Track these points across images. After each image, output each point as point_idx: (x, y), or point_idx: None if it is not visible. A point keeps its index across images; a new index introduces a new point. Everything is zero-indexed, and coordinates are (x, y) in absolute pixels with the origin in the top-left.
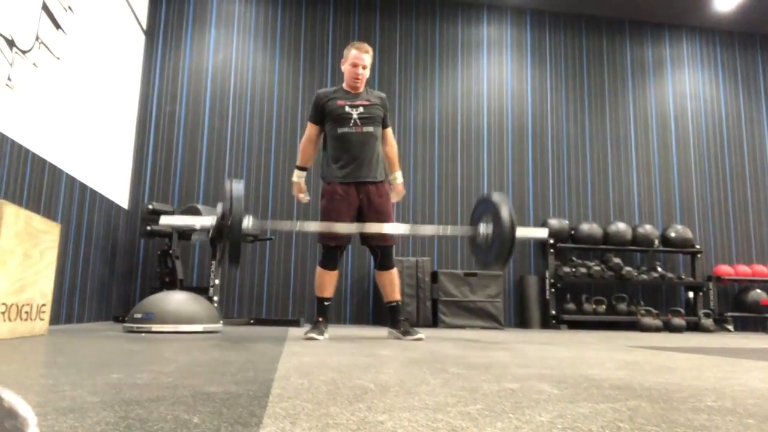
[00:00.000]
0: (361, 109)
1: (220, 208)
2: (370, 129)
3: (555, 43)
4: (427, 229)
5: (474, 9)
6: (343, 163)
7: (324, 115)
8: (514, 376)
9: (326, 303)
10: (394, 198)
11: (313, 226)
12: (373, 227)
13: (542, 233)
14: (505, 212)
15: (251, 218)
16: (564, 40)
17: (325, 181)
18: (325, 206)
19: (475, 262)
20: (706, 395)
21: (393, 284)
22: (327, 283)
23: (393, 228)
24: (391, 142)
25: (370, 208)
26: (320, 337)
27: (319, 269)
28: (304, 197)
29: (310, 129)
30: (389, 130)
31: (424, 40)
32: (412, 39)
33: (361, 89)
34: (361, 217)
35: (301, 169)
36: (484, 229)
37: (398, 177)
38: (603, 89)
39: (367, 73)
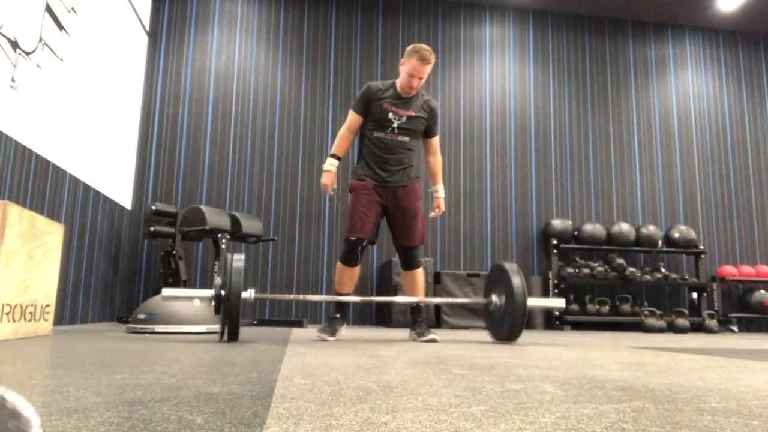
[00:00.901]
0: (404, 119)
1: (218, 279)
2: (405, 139)
3: (557, 43)
4: (435, 300)
5: (476, 9)
6: (373, 166)
7: (368, 110)
8: (517, 377)
9: (345, 298)
10: (433, 213)
11: (316, 298)
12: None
13: (558, 303)
14: (517, 283)
15: (252, 291)
16: (566, 41)
17: (355, 177)
18: (353, 201)
19: (489, 333)
20: (711, 396)
21: (414, 285)
22: (346, 279)
23: (406, 299)
24: (435, 152)
25: (396, 206)
26: (330, 338)
27: (339, 265)
28: (332, 188)
29: (353, 118)
30: (435, 140)
31: (426, 41)
32: (414, 39)
33: (414, 93)
34: (388, 216)
35: (336, 158)
36: (497, 299)
37: (439, 190)
38: (606, 89)
39: (422, 82)
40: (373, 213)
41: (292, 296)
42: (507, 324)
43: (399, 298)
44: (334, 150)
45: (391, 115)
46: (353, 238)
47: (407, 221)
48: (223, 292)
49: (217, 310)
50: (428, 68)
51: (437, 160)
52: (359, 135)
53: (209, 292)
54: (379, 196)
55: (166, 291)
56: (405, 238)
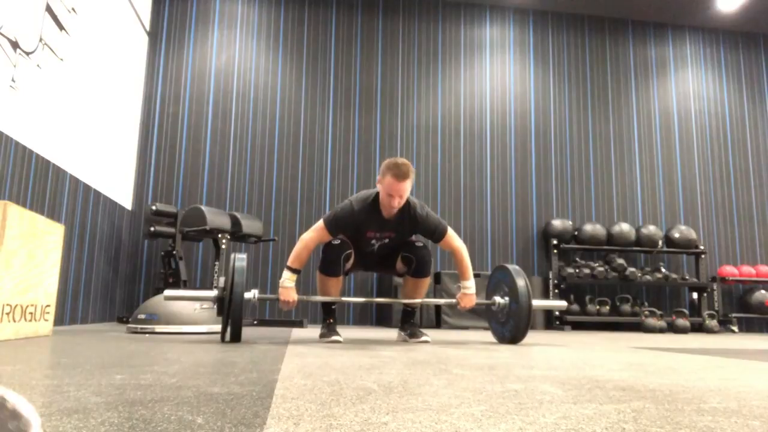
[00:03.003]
0: (386, 241)
1: (222, 281)
2: (387, 251)
3: (558, 43)
4: (437, 301)
5: (476, 9)
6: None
7: (348, 231)
8: (517, 377)
9: (333, 306)
10: (461, 307)
11: (320, 298)
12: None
13: (560, 304)
14: (521, 284)
15: (256, 292)
16: (567, 41)
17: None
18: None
19: (492, 334)
20: (711, 396)
21: (417, 289)
22: (330, 289)
23: (409, 300)
24: (453, 249)
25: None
26: (341, 339)
27: (318, 275)
28: (292, 305)
29: (322, 236)
30: (448, 240)
31: (426, 41)
32: (414, 39)
33: (397, 211)
34: (375, 263)
35: (295, 272)
36: (500, 299)
37: (468, 287)
38: (606, 90)
39: (404, 200)
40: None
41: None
42: (511, 326)
43: (401, 301)
44: (292, 263)
45: (373, 242)
46: (336, 242)
47: (399, 244)
48: (226, 293)
49: (219, 312)
50: (407, 184)
51: (459, 259)
52: None
53: (212, 293)
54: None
55: (169, 292)
56: (412, 246)
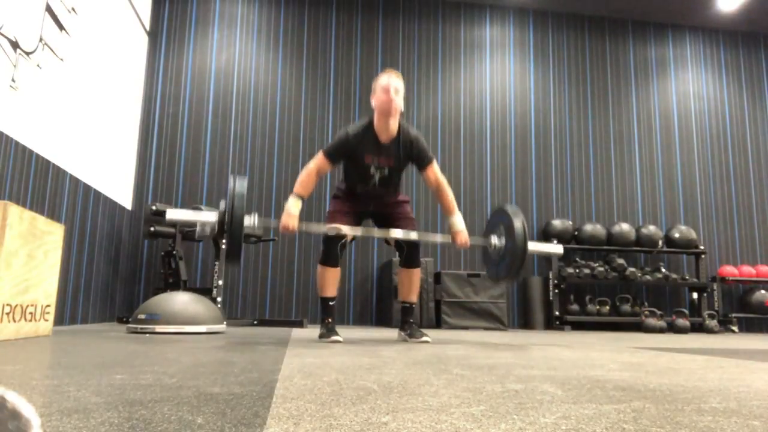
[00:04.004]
0: (386, 171)
1: (222, 205)
2: (389, 189)
3: (558, 43)
4: (438, 237)
5: (476, 9)
6: (353, 197)
7: (346, 161)
8: (517, 377)
9: (331, 303)
10: (458, 246)
11: (319, 228)
12: (386, 232)
13: (556, 249)
14: (518, 225)
15: (256, 216)
16: (567, 41)
17: (337, 192)
18: (332, 205)
19: (487, 275)
20: (711, 396)
21: (412, 284)
22: (329, 281)
23: (402, 234)
24: (437, 183)
25: (385, 207)
26: (341, 339)
27: (319, 267)
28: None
29: (322, 164)
30: (431, 170)
31: (426, 41)
32: (414, 39)
33: (394, 126)
34: (376, 217)
35: (300, 198)
36: (496, 240)
37: (456, 223)
38: (606, 90)
39: (399, 101)
40: (354, 213)
41: (318, 227)
42: (506, 263)
43: (395, 232)
44: (297, 190)
45: (372, 170)
46: (332, 234)
47: (403, 214)
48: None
49: (220, 233)
50: (400, 80)
51: (443, 191)
52: (343, 172)
53: (213, 215)
54: (364, 205)
55: (171, 211)
56: (400, 225)
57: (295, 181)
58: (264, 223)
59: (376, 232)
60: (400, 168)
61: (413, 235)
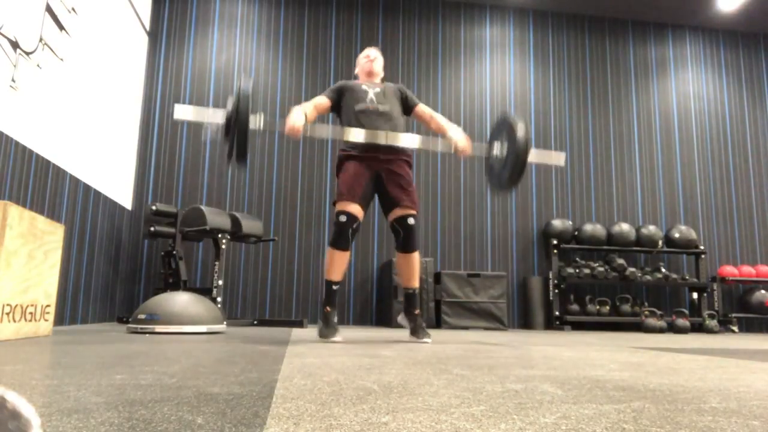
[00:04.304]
0: (377, 89)
1: (229, 104)
2: (387, 108)
3: (558, 43)
4: (439, 145)
5: (476, 9)
6: (362, 159)
7: (341, 95)
8: (517, 377)
9: (334, 287)
10: (458, 153)
11: (323, 131)
12: (393, 137)
13: (558, 158)
14: (520, 132)
15: (262, 116)
16: (567, 41)
17: (342, 151)
18: (341, 177)
19: (489, 186)
20: (711, 396)
21: (411, 269)
22: (336, 263)
23: (401, 139)
24: (431, 114)
25: (389, 173)
26: (340, 339)
27: (329, 249)
28: (297, 131)
29: (319, 99)
30: (420, 107)
31: (426, 41)
32: (414, 39)
33: (377, 81)
34: (380, 185)
35: (302, 112)
36: (498, 148)
37: (454, 134)
38: (606, 90)
39: (378, 67)
40: (363, 180)
41: (325, 130)
42: (508, 169)
43: (398, 136)
44: (302, 106)
45: (365, 87)
46: (343, 219)
47: (402, 186)
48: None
49: (226, 132)
50: (375, 50)
51: (436, 117)
52: (341, 119)
53: (220, 113)
54: (369, 168)
55: (179, 107)
56: (401, 204)
57: (294, 181)
58: (269, 126)
59: (383, 138)
60: (392, 95)
61: (415, 141)
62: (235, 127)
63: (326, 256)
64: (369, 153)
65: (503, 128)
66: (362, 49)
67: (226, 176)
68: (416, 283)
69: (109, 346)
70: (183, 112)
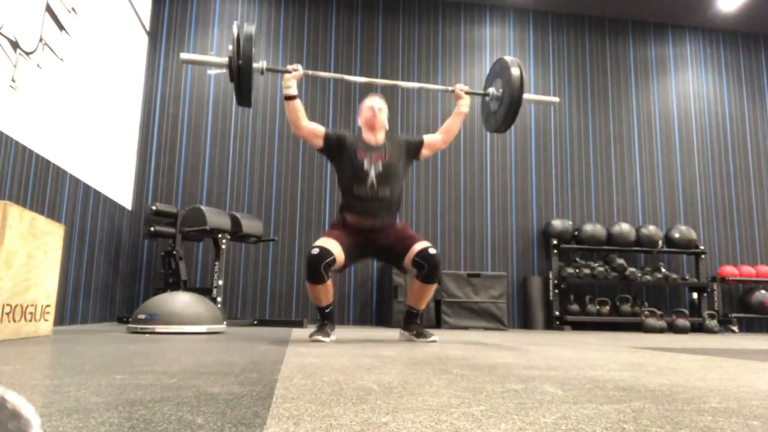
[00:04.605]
0: (380, 167)
1: (231, 48)
2: (387, 192)
3: (558, 43)
4: (438, 87)
5: (476, 9)
6: (354, 217)
7: (339, 153)
8: (517, 377)
9: (327, 311)
10: (455, 93)
11: (326, 74)
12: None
13: (552, 98)
14: (515, 72)
15: (264, 62)
16: (567, 41)
17: (336, 219)
18: (329, 229)
19: (485, 127)
20: (711, 396)
21: (424, 296)
22: (319, 294)
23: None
24: (437, 136)
25: (386, 238)
26: (326, 339)
27: (307, 284)
28: (299, 73)
29: (317, 127)
30: (426, 139)
31: (426, 41)
32: (414, 39)
33: (381, 137)
34: (378, 252)
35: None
36: (494, 90)
37: (459, 111)
38: (606, 90)
39: (384, 117)
40: (346, 241)
41: (326, 73)
42: (502, 111)
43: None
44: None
45: (366, 164)
46: (315, 251)
47: (401, 237)
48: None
49: (231, 77)
50: (381, 100)
51: (448, 127)
52: (340, 190)
53: (224, 59)
54: (360, 236)
55: (185, 55)
56: (413, 244)
57: (294, 181)
58: (273, 68)
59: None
60: (395, 164)
61: (414, 84)
62: (240, 67)
63: (308, 290)
64: (360, 230)
65: (499, 72)
66: (362, 49)
67: (226, 176)
68: (423, 307)
69: (109, 346)
70: (188, 56)
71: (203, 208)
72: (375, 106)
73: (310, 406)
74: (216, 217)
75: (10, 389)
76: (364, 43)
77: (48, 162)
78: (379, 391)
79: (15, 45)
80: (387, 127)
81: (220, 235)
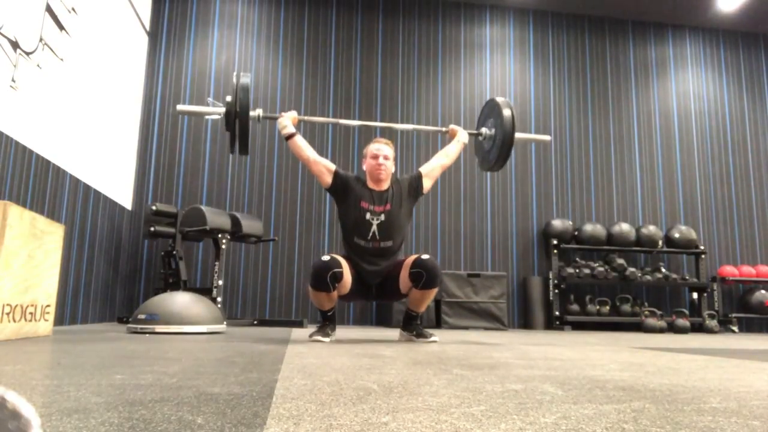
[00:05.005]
0: (382, 218)
1: (229, 98)
2: (389, 243)
3: (558, 43)
4: (431, 128)
5: (476, 9)
6: (355, 265)
7: (345, 197)
8: (517, 377)
9: (329, 313)
10: (449, 134)
11: (319, 119)
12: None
13: (543, 137)
14: (507, 114)
15: (260, 110)
16: (567, 41)
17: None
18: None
19: (478, 164)
20: (711, 396)
21: (424, 300)
22: (322, 300)
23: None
24: (435, 163)
25: (387, 277)
26: (325, 339)
27: (311, 290)
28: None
29: (326, 163)
30: (425, 172)
31: (426, 41)
32: (414, 39)
33: (386, 185)
34: (376, 289)
35: (293, 130)
36: (487, 130)
37: (459, 139)
38: (606, 90)
39: (390, 165)
40: (353, 272)
41: (320, 119)
42: (495, 151)
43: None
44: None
45: (368, 216)
46: (326, 258)
47: (397, 263)
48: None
49: (227, 126)
50: (388, 147)
51: (444, 157)
52: (342, 234)
53: (221, 108)
54: (363, 276)
55: (181, 107)
56: (411, 258)
57: (294, 181)
58: (269, 115)
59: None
60: (398, 213)
61: (406, 126)
62: (236, 117)
63: (310, 295)
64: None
65: (491, 113)
66: (362, 49)
67: (226, 176)
68: (423, 310)
69: (109, 346)
70: (185, 108)
71: (203, 208)
72: (381, 153)
73: (310, 406)
74: (216, 217)
75: (10, 389)
76: (364, 43)
77: (48, 162)
78: (379, 391)
79: (15, 45)
80: (393, 171)
81: (220, 235)
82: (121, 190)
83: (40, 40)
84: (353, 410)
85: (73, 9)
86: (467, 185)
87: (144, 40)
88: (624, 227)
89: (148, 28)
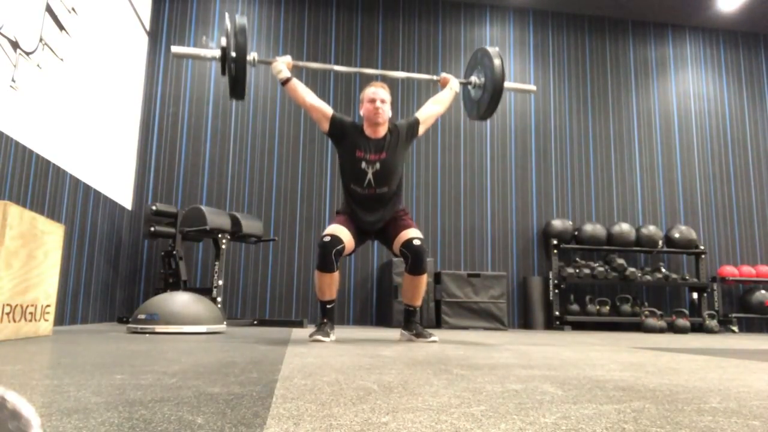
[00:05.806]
0: (378, 167)
1: (224, 41)
2: (384, 189)
3: (558, 43)
4: (423, 77)
5: (476, 9)
6: (355, 212)
7: (341, 141)
8: (517, 377)
9: (329, 306)
10: (441, 82)
11: (315, 65)
12: (394, 235)
13: (530, 86)
14: (497, 62)
15: (255, 54)
16: (567, 41)
17: (342, 207)
18: (335, 218)
19: (467, 114)
20: (711, 396)
21: (416, 290)
22: (326, 285)
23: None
24: (430, 108)
25: (385, 224)
26: (326, 339)
27: (316, 272)
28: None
29: (323, 106)
30: (421, 116)
31: (426, 41)
32: (414, 40)
33: (383, 130)
34: (379, 236)
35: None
36: (476, 78)
37: (451, 87)
38: (606, 89)
39: (387, 109)
40: (353, 227)
41: (312, 64)
42: (484, 99)
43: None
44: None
45: (363, 165)
46: (327, 239)
47: (399, 223)
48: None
49: (222, 70)
50: (385, 90)
51: (437, 106)
52: (341, 179)
53: (216, 51)
54: (367, 223)
55: (176, 48)
56: (403, 232)
57: (294, 181)
58: (264, 59)
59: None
60: (394, 160)
61: (399, 73)
62: (233, 60)
63: (315, 279)
64: (362, 219)
65: (480, 61)
66: (362, 49)
67: (226, 176)
68: (419, 303)
69: (109, 346)
70: (179, 50)
71: (203, 208)
72: (377, 97)
73: (310, 406)
74: (216, 217)
75: (10, 389)
76: (364, 43)
77: (48, 162)
78: (379, 391)
79: (15, 45)
80: (389, 116)
81: (220, 235)
82: (121, 190)
83: (40, 40)
84: (353, 410)
85: (73, 9)
86: (467, 185)
87: (144, 40)
88: (624, 227)
89: (148, 28)
